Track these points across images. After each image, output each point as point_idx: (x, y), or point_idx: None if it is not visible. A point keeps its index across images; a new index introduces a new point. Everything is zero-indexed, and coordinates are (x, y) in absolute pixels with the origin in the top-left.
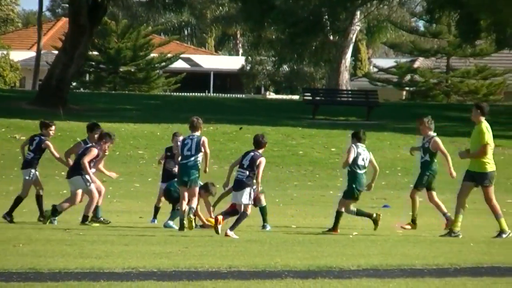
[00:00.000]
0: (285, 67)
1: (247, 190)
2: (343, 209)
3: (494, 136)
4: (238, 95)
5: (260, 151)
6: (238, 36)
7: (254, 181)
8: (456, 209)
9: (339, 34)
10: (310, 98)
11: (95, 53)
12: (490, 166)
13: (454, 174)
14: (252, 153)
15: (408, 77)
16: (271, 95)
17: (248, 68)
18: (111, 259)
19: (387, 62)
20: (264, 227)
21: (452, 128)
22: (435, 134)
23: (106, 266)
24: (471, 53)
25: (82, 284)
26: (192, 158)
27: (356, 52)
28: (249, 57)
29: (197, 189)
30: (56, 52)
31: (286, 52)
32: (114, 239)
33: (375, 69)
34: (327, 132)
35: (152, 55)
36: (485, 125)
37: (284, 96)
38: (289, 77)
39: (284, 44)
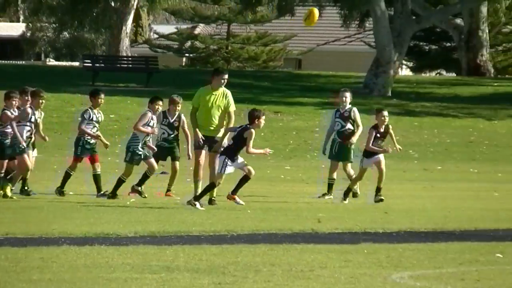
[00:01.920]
0: (66, 34)
1: None
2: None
3: (274, 103)
4: (18, 62)
5: None
6: (19, 2)
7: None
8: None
9: (120, 1)
10: (90, 64)
11: None
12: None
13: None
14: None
15: (188, 43)
16: (52, 62)
17: (28, 34)
18: None
19: (168, 29)
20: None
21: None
22: None
23: None
24: (252, 19)
25: None
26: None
27: (137, 18)
28: (30, 24)
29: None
30: None
31: (67, 18)
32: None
33: (156, 36)
34: (107, 99)
35: None
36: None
37: (65, 63)
38: (69, 43)
39: (65, 11)
